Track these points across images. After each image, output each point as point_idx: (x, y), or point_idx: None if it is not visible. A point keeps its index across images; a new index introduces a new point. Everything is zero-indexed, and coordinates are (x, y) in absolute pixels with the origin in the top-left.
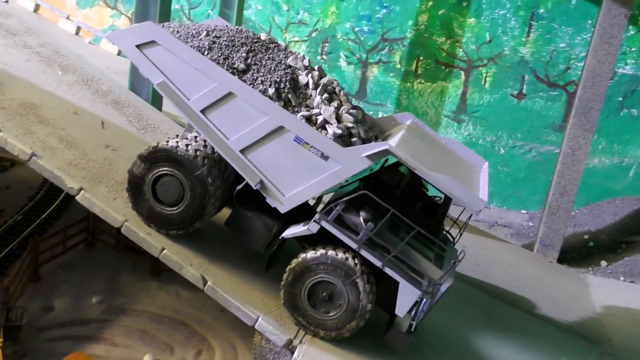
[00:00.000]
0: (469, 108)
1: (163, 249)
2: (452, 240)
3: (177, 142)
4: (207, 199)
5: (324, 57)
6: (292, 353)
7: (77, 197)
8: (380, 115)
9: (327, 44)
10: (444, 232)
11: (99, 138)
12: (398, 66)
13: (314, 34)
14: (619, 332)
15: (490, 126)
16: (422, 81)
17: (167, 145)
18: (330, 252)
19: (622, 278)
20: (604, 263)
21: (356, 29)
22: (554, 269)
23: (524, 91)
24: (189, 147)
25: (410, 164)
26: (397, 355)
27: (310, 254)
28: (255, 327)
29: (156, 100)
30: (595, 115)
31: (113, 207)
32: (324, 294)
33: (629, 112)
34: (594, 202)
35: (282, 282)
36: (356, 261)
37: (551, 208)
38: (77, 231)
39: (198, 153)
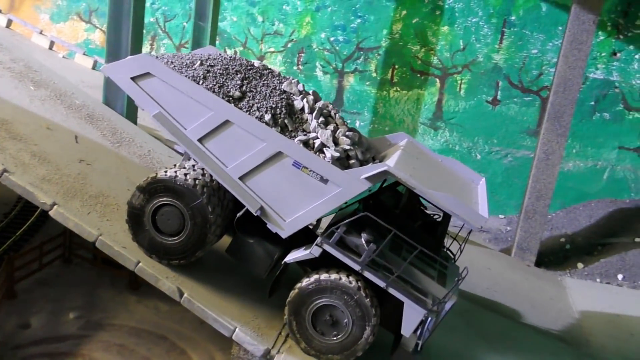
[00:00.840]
0: (445, 115)
1: (138, 262)
2: (452, 257)
3: (175, 172)
4: (208, 227)
5: (300, 67)
6: None
7: (51, 213)
8: (357, 125)
9: (302, 54)
10: (445, 250)
11: (73, 153)
12: (374, 75)
13: (289, 45)
14: (596, 333)
15: (466, 132)
16: (398, 89)
17: (165, 175)
18: (324, 276)
19: (598, 280)
20: (580, 265)
21: (331, 39)
22: (532, 272)
23: (499, 97)
24: (188, 177)
25: (410, 183)
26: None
27: (305, 282)
28: (233, 337)
29: (131, 114)
30: (568, 119)
31: (87, 221)
32: (328, 318)
33: (601, 116)
34: (570, 205)
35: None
36: (352, 279)
37: (527, 212)
38: (53, 247)
39: (197, 182)
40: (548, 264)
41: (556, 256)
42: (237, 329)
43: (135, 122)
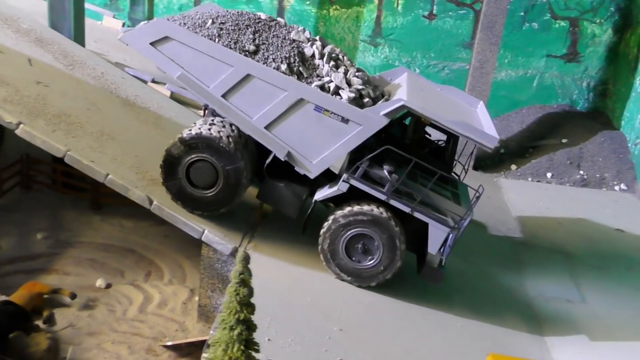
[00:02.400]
0: (384, 31)
1: (108, 175)
2: (459, 177)
3: (219, 132)
4: (239, 189)
5: None
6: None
7: (17, 131)
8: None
9: None
10: (458, 178)
11: (28, 75)
12: None
13: None
14: (528, 224)
15: (405, 48)
16: (338, 7)
17: (210, 134)
18: (356, 207)
19: (529, 179)
20: (513, 167)
21: None
22: (470, 175)
23: (434, 12)
24: (231, 140)
25: (426, 114)
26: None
27: (338, 214)
28: (202, 238)
29: (79, 37)
30: (500, 29)
31: (54, 138)
32: (361, 246)
33: (530, 26)
34: (503, 113)
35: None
36: (381, 209)
37: None
38: (10, 174)
39: (237, 146)
40: (485, 168)
41: (492, 160)
42: (205, 231)
43: (83, 45)
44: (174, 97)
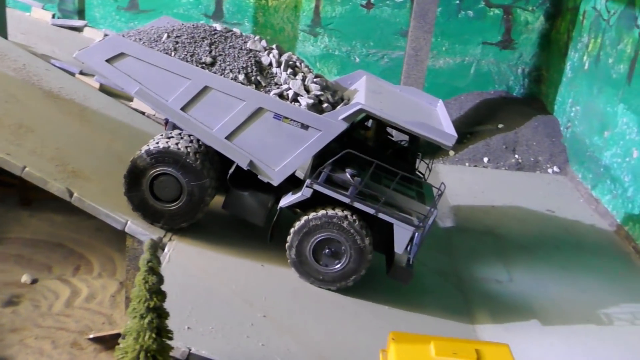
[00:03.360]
0: (323, 21)
1: (25, 167)
2: (424, 177)
3: (186, 147)
4: (201, 206)
5: None
6: (163, 250)
7: None
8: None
9: None
10: (417, 172)
11: None
12: None
13: None
14: (463, 207)
15: (344, 37)
16: None
17: (177, 149)
18: (320, 213)
19: (467, 164)
20: (452, 153)
21: None
22: None
23: (372, 1)
24: (197, 156)
25: (384, 116)
26: (261, 242)
27: (298, 223)
28: (126, 230)
29: (0, 29)
30: (432, 16)
31: None
32: (328, 251)
33: (465, 14)
34: (443, 99)
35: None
36: (345, 211)
37: None
38: None
39: (205, 164)
40: (424, 154)
41: (430, 147)
42: (128, 222)
43: (6, 37)
44: (103, 89)
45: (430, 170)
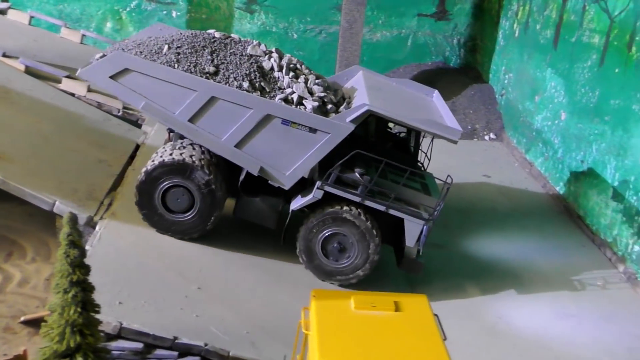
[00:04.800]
0: None
1: None
2: (423, 165)
3: (196, 158)
4: (214, 215)
5: None
6: (94, 228)
7: None
8: (174, 15)
9: None
10: (424, 170)
11: None
12: None
13: None
14: None
15: (281, 13)
16: None
17: (186, 159)
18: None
19: None
20: (392, 125)
21: None
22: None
23: None
24: (209, 167)
25: (391, 116)
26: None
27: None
28: (54, 210)
29: None
30: None
31: None
32: (336, 246)
33: None
34: (382, 73)
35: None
36: (353, 208)
37: None
38: None
39: (216, 175)
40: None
41: None
42: (56, 202)
43: None
44: (29, 71)
45: (429, 160)
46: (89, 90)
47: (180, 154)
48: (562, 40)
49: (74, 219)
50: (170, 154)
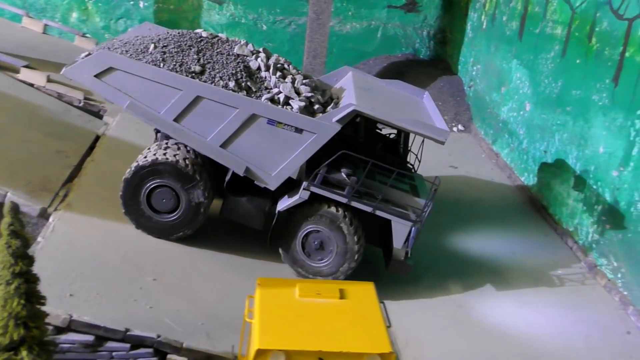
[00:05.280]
0: None
1: None
2: (413, 167)
3: (181, 158)
4: (200, 214)
5: None
6: (47, 219)
7: None
8: (141, 5)
9: None
10: (413, 171)
11: None
12: None
13: None
14: None
15: (250, 5)
16: None
17: (169, 159)
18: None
19: None
20: (381, 126)
21: None
22: None
23: None
24: (194, 167)
25: (377, 116)
26: None
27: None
28: (5, 202)
29: None
30: None
31: None
32: (315, 243)
33: None
34: (352, 64)
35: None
36: (339, 209)
37: (307, 71)
38: None
39: (201, 174)
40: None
41: None
42: (8, 193)
43: None
44: None
45: (420, 162)
46: (49, 80)
47: (164, 154)
48: (526, 32)
49: (15, 208)
50: (154, 154)
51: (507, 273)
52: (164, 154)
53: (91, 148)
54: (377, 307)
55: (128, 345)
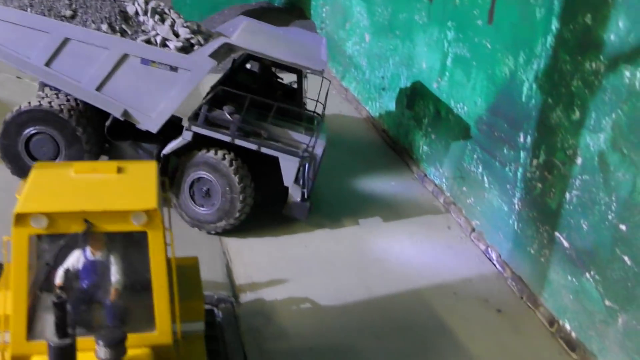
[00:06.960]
0: None
1: None
2: (319, 116)
3: (60, 105)
4: (83, 154)
5: None
6: None
7: None
8: None
9: None
10: (314, 113)
11: None
12: None
13: None
14: None
15: None
16: None
17: (50, 107)
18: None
19: None
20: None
21: None
22: None
23: None
24: (72, 113)
25: (250, 48)
26: None
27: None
28: None
29: None
30: None
31: None
32: (204, 190)
33: None
34: (206, 15)
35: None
36: (220, 152)
37: None
38: None
39: (80, 120)
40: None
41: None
42: None
43: None
44: None
45: (324, 107)
46: None
47: (39, 101)
48: None
49: None
50: (29, 102)
51: (346, 190)
52: (39, 101)
53: None
54: (155, 181)
55: None
